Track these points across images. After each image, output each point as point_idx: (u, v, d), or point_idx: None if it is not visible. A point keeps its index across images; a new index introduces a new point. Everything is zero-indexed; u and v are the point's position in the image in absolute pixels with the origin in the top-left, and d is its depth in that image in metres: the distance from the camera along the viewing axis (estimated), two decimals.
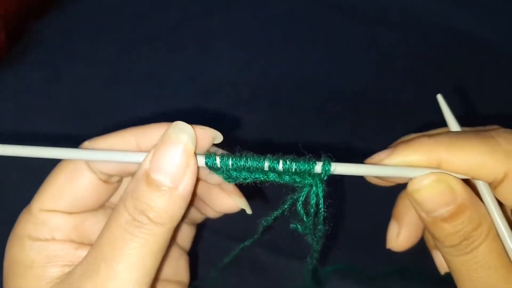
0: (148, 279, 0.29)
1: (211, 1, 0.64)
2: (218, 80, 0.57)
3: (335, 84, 0.57)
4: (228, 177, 0.31)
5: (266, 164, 0.30)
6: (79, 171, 0.32)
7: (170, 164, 0.28)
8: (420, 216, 0.31)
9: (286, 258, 0.46)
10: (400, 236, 0.37)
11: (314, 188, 0.31)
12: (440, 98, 0.34)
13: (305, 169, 0.30)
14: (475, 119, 0.54)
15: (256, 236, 0.35)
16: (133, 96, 0.56)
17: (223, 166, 0.30)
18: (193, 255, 0.41)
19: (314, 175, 0.30)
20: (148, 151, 0.29)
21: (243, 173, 0.30)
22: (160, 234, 0.28)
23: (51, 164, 0.32)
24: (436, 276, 0.38)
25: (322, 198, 0.31)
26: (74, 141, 0.33)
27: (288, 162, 0.30)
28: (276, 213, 0.33)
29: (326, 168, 0.30)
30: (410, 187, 0.30)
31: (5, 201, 0.48)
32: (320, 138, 0.52)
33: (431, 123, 0.53)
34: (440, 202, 0.30)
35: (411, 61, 0.58)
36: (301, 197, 0.31)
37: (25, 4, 0.61)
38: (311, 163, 0.30)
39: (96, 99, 0.55)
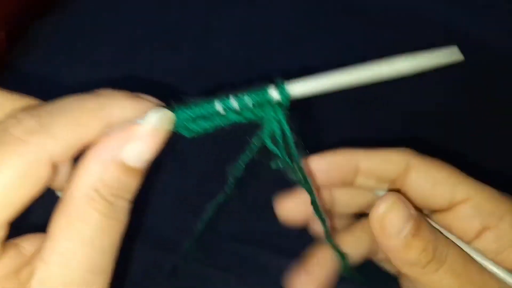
0: None
1: (211, 1, 0.64)
2: (218, 80, 0.57)
3: None
4: (186, 131, 0.29)
5: (218, 105, 0.28)
6: None
7: None
8: (389, 248, 0.32)
9: (286, 258, 0.46)
10: None
11: (276, 115, 0.29)
12: None
13: (260, 97, 0.28)
14: (474, 119, 0.54)
15: (229, 188, 0.34)
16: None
17: (178, 122, 0.29)
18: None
19: (274, 104, 0.28)
20: None
21: (202, 123, 0.29)
22: None
23: None
24: None
25: (285, 123, 0.29)
26: None
27: (239, 96, 0.28)
28: (245, 157, 0.32)
29: (281, 90, 0.28)
30: (375, 214, 0.31)
31: None
32: (319, 138, 0.53)
33: (430, 124, 0.53)
34: (405, 218, 0.31)
35: None
36: (265, 130, 0.29)
37: (25, 4, 0.61)
38: (263, 90, 0.28)
39: None
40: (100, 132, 0.29)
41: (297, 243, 0.47)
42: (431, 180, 0.34)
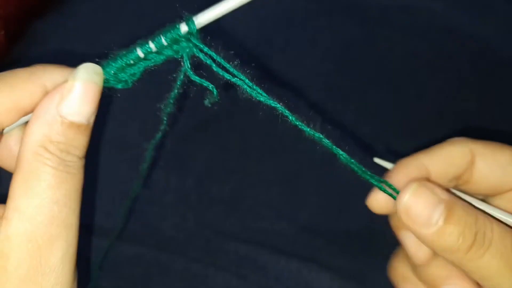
0: None
1: (211, 1, 0.64)
2: (218, 79, 0.57)
3: (335, 84, 0.57)
4: (118, 83, 0.31)
5: (139, 51, 0.31)
6: None
7: None
8: (422, 237, 0.30)
9: (286, 258, 0.46)
10: None
11: (193, 45, 0.31)
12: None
13: (173, 34, 0.31)
14: (474, 119, 0.54)
15: (163, 128, 0.35)
16: (132, 96, 0.56)
17: (108, 76, 0.31)
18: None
19: (186, 35, 0.31)
20: None
21: (128, 70, 0.31)
22: None
23: None
24: None
25: (204, 46, 0.31)
26: None
27: (155, 38, 0.31)
28: (172, 94, 0.32)
29: (189, 22, 0.31)
30: (400, 204, 0.30)
31: None
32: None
33: (431, 123, 0.53)
34: (432, 204, 0.29)
35: (411, 61, 0.58)
36: (185, 63, 0.31)
37: (25, 4, 0.61)
38: (173, 27, 0.31)
39: None
40: (39, 98, 0.30)
41: (297, 243, 0.47)
42: (500, 163, 0.33)
